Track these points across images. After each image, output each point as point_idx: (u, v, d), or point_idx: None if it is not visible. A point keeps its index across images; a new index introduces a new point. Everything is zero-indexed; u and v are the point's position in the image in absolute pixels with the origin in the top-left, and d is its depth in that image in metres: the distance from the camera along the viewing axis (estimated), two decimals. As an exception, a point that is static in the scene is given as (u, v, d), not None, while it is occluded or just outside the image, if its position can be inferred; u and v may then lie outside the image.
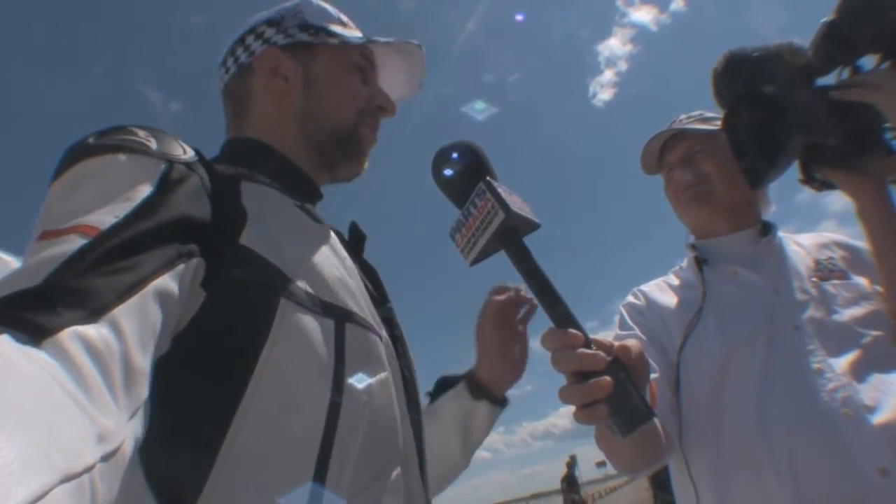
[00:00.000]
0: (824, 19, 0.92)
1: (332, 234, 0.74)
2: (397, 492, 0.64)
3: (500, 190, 0.65)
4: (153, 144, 0.55)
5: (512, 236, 0.66)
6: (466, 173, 0.70)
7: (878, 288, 1.07)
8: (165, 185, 0.52)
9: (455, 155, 0.71)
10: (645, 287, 1.28)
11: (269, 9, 0.84)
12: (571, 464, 12.42)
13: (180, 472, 0.53)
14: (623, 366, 0.64)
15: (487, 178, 0.67)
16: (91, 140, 0.53)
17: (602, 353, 0.63)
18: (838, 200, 1.06)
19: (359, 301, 0.67)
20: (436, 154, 0.72)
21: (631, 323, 1.20)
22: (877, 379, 0.98)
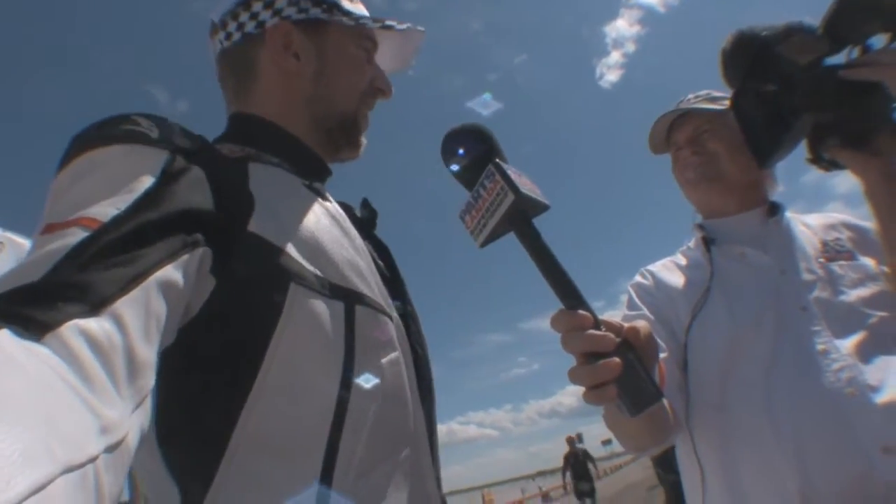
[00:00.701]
0: None
1: (342, 213, 0.73)
2: (407, 471, 0.64)
3: (509, 172, 0.64)
4: (156, 133, 0.55)
5: (522, 218, 0.66)
6: (473, 167, 0.69)
7: (885, 269, 1.07)
8: (168, 175, 0.52)
9: (461, 151, 0.70)
10: (653, 267, 1.29)
11: None
12: (574, 441, 11.11)
13: (196, 454, 0.55)
14: (632, 347, 0.64)
15: (497, 160, 0.66)
16: (94, 130, 0.53)
17: (611, 335, 0.63)
18: (844, 182, 1.07)
19: (368, 281, 0.67)
20: (444, 138, 0.72)
21: (639, 303, 1.21)
22: (882, 360, 0.99)
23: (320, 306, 0.59)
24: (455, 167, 0.70)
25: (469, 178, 0.69)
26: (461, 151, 0.70)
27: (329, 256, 0.64)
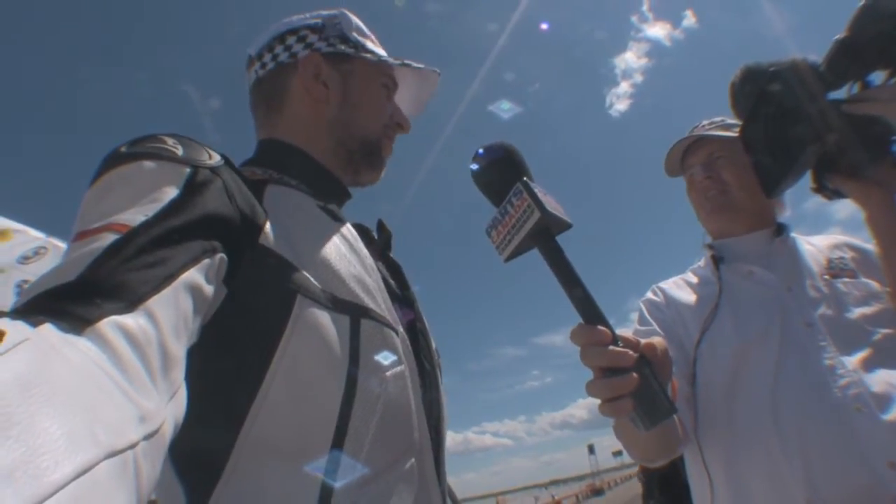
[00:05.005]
0: (837, 37, 0.96)
1: (353, 232, 0.76)
2: (411, 482, 0.66)
3: (536, 190, 0.66)
4: (180, 151, 0.57)
5: (546, 235, 0.68)
6: (492, 168, 0.72)
7: (889, 289, 1.08)
8: (190, 188, 0.54)
9: (481, 151, 0.73)
10: (664, 284, 1.32)
11: (312, 12, 0.88)
12: None
13: (201, 456, 0.57)
14: (648, 362, 0.66)
15: (525, 178, 0.68)
16: (123, 149, 0.56)
17: (629, 351, 0.65)
18: (843, 209, 1.11)
19: (375, 297, 0.69)
20: (474, 154, 0.75)
21: (650, 318, 1.24)
22: (887, 375, 1.01)
23: (325, 318, 0.61)
24: (474, 166, 0.73)
25: (494, 183, 0.72)
26: (481, 151, 0.73)
27: (336, 272, 0.66)
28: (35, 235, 2.47)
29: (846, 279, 1.14)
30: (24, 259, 2.37)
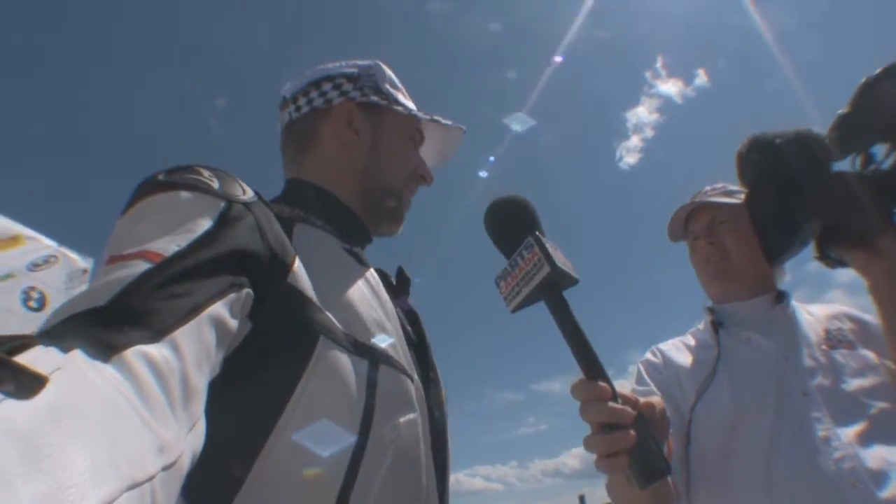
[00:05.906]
0: (840, 111, 1.00)
1: (376, 277, 0.77)
2: None
3: (547, 245, 0.68)
4: (216, 184, 0.58)
5: (553, 289, 0.69)
6: (505, 213, 0.74)
7: (887, 362, 1.09)
8: (224, 222, 0.55)
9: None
10: (662, 346, 1.33)
11: (347, 61, 0.91)
12: None
13: (213, 486, 0.56)
14: (647, 421, 0.66)
15: (536, 232, 0.70)
16: (160, 177, 0.57)
17: (629, 409, 0.65)
18: (845, 272, 1.12)
19: (394, 343, 0.70)
20: (488, 206, 0.77)
21: (647, 379, 1.24)
22: (883, 450, 1.00)
23: (345, 361, 0.61)
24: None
25: (506, 233, 0.73)
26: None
27: (358, 316, 0.67)
28: (47, 244, 2.51)
29: (844, 350, 1.14)
30: (34, 266, 2.40)
